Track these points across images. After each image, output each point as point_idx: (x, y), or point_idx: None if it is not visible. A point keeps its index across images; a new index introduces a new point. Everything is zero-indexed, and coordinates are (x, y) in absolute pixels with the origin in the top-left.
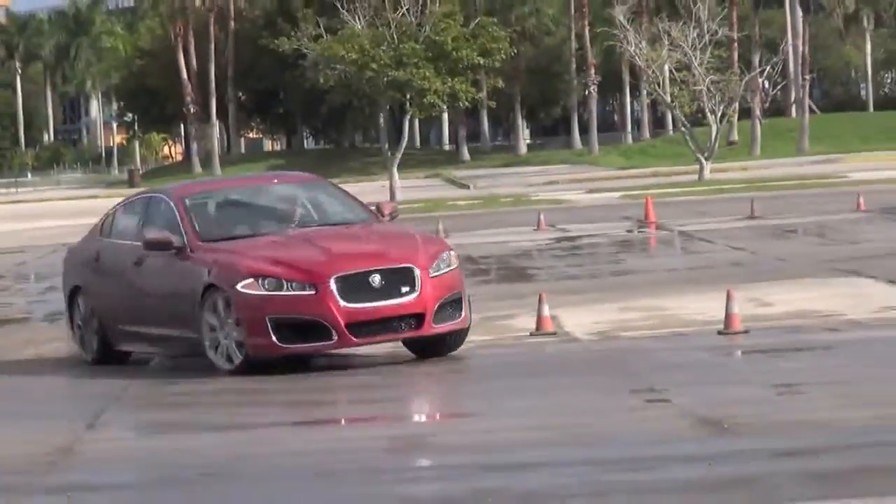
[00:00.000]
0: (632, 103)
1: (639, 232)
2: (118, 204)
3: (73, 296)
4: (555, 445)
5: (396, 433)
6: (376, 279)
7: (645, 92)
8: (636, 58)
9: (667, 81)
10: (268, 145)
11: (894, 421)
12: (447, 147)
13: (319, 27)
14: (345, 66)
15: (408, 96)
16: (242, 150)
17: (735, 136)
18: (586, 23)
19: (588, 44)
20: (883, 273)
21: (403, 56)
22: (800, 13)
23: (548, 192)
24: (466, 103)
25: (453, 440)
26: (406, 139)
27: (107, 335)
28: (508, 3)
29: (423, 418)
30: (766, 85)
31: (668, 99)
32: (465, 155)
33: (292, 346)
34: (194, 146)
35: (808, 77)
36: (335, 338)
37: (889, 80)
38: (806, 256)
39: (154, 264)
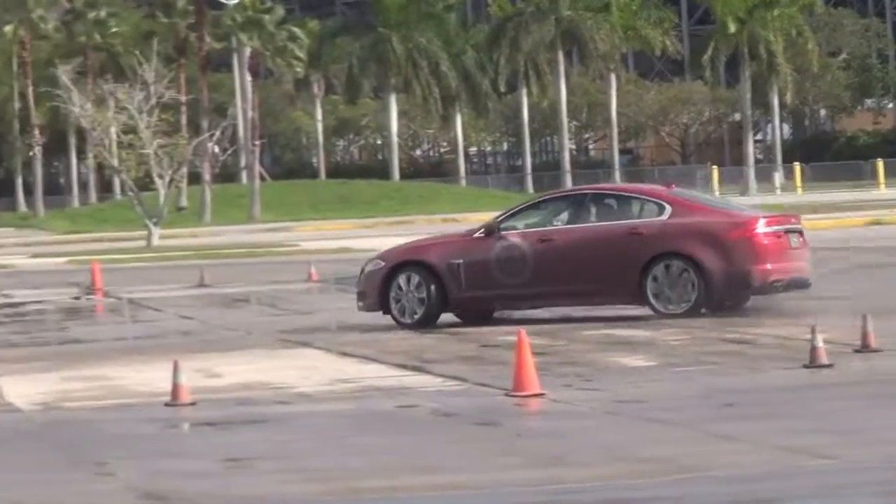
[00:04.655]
0: (78, 166)
1: (86, 299)
2: None
3: None
4: None
5: None
6: None
7: (91, 155)
8: (82, 119)
9: (114, 144)
10: None
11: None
12: None
13: None
14: None
15: None
16: None
17: (185, 202)
18: (30, 81)
19: (32, 103)
20: (332, 345)
21: None
22: (249, 77)
23: None
24: None
25: None
26: None
27: None
28: None
29: None
30: (217, 150)
31: (115, 162)
32: None
33: None
34: None
35: (257, 143)
36: None
37: (340, 148)
38: (256, 326)
39: None
